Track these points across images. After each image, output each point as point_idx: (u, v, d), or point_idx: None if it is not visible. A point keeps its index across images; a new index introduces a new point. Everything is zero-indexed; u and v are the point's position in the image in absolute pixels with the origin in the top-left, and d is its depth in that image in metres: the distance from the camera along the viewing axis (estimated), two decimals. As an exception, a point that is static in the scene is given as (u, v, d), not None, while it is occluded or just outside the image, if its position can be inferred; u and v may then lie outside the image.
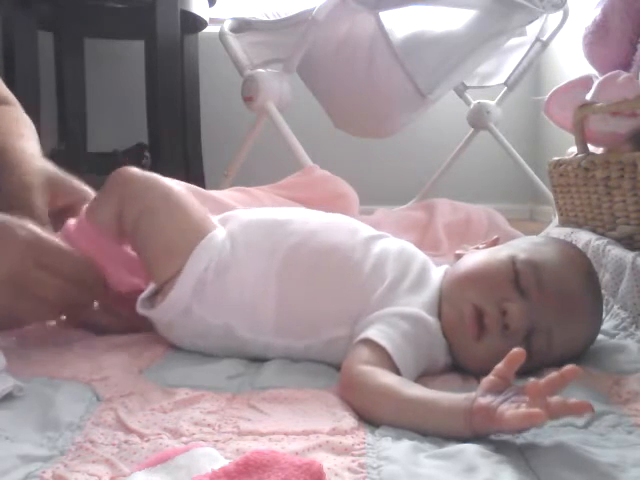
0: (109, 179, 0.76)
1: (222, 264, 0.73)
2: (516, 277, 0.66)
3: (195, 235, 0.73)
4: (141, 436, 0.52)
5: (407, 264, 0.73)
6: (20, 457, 0.47)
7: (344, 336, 0.68)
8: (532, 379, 0.51)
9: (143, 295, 0.74)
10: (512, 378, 0.54)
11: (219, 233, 0.75)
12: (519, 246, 0.72)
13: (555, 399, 0.50)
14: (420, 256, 0.76)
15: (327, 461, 0.48)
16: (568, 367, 0.52)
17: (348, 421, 0.56)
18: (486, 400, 0.52)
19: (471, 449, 0.49)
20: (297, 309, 0.71)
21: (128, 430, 0.53)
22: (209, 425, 0.55)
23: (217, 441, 0.52)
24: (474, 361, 0.67)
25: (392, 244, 0.76)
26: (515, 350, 0.54)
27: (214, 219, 0.79)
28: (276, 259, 0.72)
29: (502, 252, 0.71)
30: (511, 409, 0.50)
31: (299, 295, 0.71)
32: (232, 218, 0.79)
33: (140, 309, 0.74)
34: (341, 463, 0.48)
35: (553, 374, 0.52)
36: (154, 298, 0.74)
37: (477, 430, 0.52)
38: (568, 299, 0.66)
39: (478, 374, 0.64)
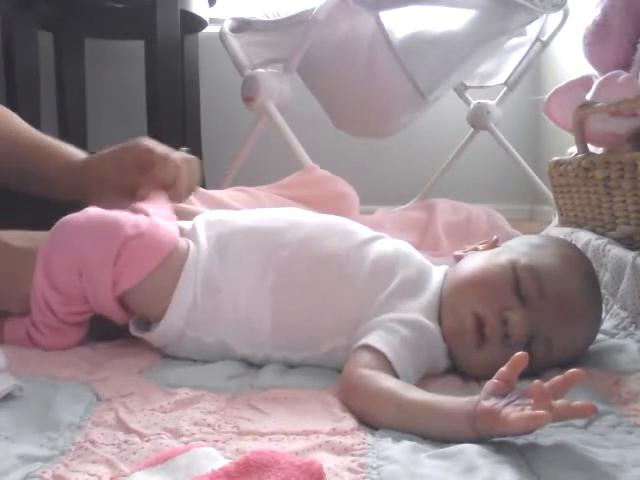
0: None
1: (212, 282, 0.71)
2: (517, 284, 0.66)
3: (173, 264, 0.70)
4: (141, 436, 0.52)
5: (403, 268, 0.72)
6: (20, 457, 0.47)
7: (343, 346, 0.68)
8: (537, 381, 0.51)
9: (133, 319, 0.73)
10: (515, 381, 0.54)
11: (193, 251, 0.72)
12: (518, 249, 0.71)
13: (559, 402, 0.50)
14: (417, 257, 0.75)
15: (327, 461, 0.48)
16: (571, 370, 0.52)
17: (348, 421, 0.56)
18: (490, 403, 0.52)
19: (471, 449, 0.49)
20: (294, 324, 0.70)
21: (128, 430, 0.53)
22: (209, 425, 0.55)
23: (217, 441, 0.52)
24: (474, 368, 0.66)
25: (387, 246, 0.75)
26: (518, 354, 0.54)
27: (198, 220, 0.76)
28: (269, 274, 0.71)
29: (502, 257, 0.70)
30: (515, 411, 0.50)
31: (295, 309, 0.70)
32: (218, 223, 0.76)
33: (134, 331, 0.73)
34: (341, 463, 0.48)
35: (557, 377, 0.52)
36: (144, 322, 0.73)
37: (481, 433, 0.52)
38: (569, 305, 0.66)
39: (479, 378, 0.64)
